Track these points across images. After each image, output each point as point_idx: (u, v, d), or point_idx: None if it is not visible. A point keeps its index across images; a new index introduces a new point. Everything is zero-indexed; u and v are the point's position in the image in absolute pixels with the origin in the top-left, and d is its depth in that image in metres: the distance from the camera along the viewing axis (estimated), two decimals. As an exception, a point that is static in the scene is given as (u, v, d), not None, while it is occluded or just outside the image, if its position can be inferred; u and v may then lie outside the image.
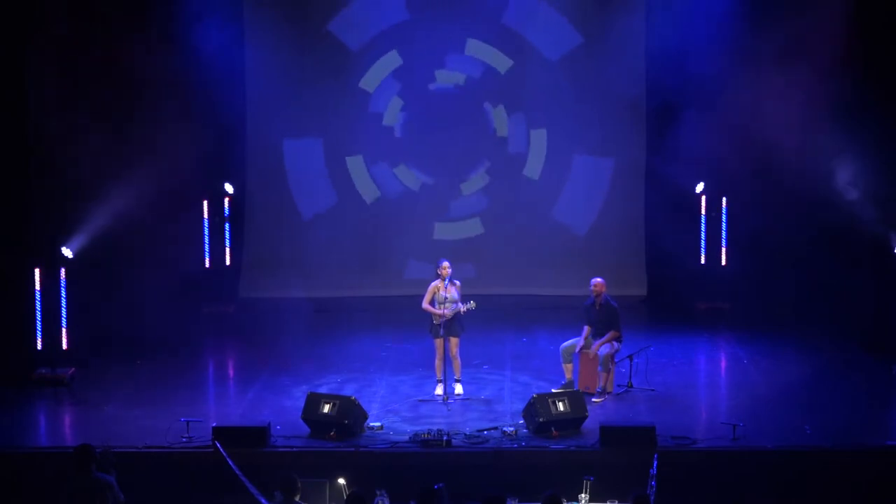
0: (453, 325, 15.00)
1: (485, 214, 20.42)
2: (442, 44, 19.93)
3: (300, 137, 20.21)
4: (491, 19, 19.94)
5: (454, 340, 15.07)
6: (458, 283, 15.07)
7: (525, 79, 20.06)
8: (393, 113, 20.17)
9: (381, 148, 20.26)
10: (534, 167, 20.26)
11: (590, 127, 20.02)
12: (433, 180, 20.35)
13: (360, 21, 19.96)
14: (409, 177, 20.35)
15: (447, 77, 20.08)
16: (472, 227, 20.43)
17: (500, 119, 20.16)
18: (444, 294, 14.96)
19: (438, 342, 15.04)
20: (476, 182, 20.34)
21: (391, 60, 20.02)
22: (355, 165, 20.30)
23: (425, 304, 15.04)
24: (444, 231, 20.39)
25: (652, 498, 11.38)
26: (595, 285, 15.24)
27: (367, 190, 20.36)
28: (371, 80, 20.09)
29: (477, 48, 20.01)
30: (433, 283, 15.05)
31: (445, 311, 14.88)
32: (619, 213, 20.18)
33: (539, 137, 20.19)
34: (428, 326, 15.15)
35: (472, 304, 14.93)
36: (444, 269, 14.99)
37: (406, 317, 17.70)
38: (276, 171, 20.22)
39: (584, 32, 19.90)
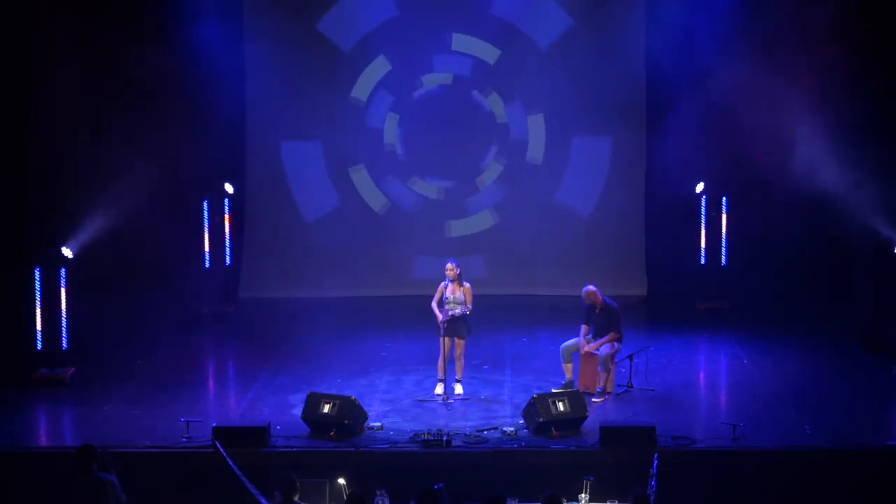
0: (458, 326, 14.99)
1: (498, 205, 20.32)
2: (429, 44, 19.87)
3: (300, 140, 20.18)
4: (476, 11, 19.86)
5: (459, 342, 15.06)
6: (467, 285, 15.04)
7: (516, 66, 19.98)
8: (392, 131, 20.15)
9: (388, 166, 20.22)
10: (535, 152, 20.21)
11: (588, 114, 19.99)
12: (451, 183, 20.30)
13: (349, 21, 19.87)
14: (427, 187, 20.32)
15: (437, 79, 20.05)
16: (485, 220, 20.38)
17: (496, 105, 20.10)
18: (447, 295, 14.97)
19: (442, 341, 15.04)
20: (491, 173, 20.27)
21: (380, 67, 19.99)
22: (359, 176, 20.27)
23: (433, 304, 15.06)
24: (459, 228, 20.36)
25: (652, 498, 11.38)
26: (585, 294, 15.18)
27: (375, 200, 20.31)
28: (362, 88, 20.06)
29: (463, 42, 19.96)
30: (441, 283, 15.06)
31: (442, 313, 14.88)
32: (619, 212, 20.16)
33: (537, 122, 20.15)
34: (434, 325, 15.14)
35: (458, 311, 14.89)
36: (449, 270, 15.00)
37: (411, 316, 17.70)
38: (276, 172, 20.20)
39: (581, 25, 19.85)
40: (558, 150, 20.17)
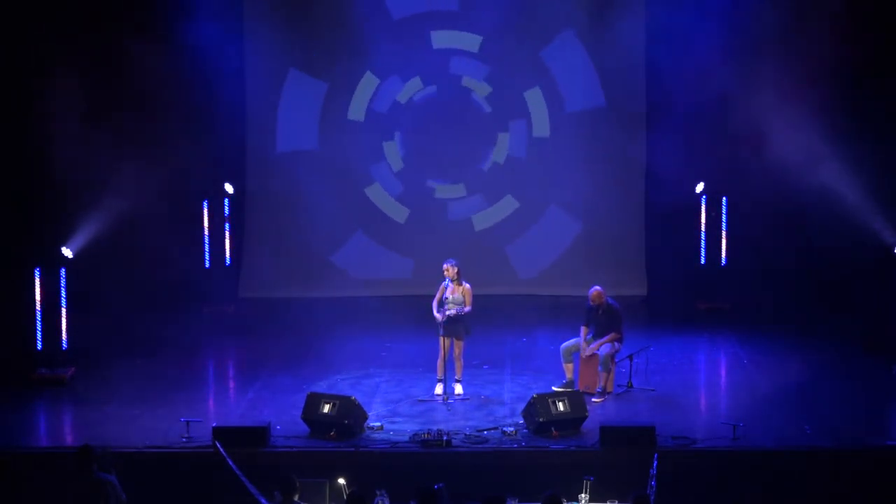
0: (456, 327, 14.99)
1: (516, 188, 20.30)
2: (413, 48, 19.84)
3: (300, 141, 20.16)
4: (462, 9, 19.85)
5: (458, 342, 15.06)
6: (467, 285, 15.04)
7: (507, 52, 19.93)
8: (395, 159, 20.15)
9: (408, 183, 20.22)
10: (541, 125, 20.17)
11: (588, 114, 19.97)
12: (473, 173, 20.27)
13: (336, 44, 19.87)
14: (451, 190, 20.31)
15: (423, 83, 20.02)
16: (508, 205, 20.36)
17: (481, 88, 20.06)
18: (447, 295, 14.98)
19: (442, 341, 15.04)
20: (502, 146, 20.21)
21: (368, 83, 19.98)
22: (376, 194, 20.28)
23: (433, 304, 15.06)
24: (482, 220, 20.35)
25: (652, 498, 11.39)
26: (591, 297, 15.19)
27: (397, 213, 20.32)
28: (356, 110, 20.06)
29: (442, 38, 19.93)
30: (443, 284, 15.07)
31: (441, 313, 14.88)
32: (619, 212, 20.15)
33: (535, 96, 20.12)
34: (435, 324, 15.15)
35: (453, 311, 14.88)
36: (447, 270, 15.00)
37: (412, 316, 17.71)
38: (276, 172, 20.18)
39: (580, 25, 19.84)
40: (563, 123, 20.09)
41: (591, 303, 15.18)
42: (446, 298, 14.96)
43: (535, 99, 20.07)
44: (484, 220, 20.33)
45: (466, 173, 20.27)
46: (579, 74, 19.93)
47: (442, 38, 19.98)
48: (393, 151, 20.20)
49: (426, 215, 20.29)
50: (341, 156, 20.11)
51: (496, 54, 19.94)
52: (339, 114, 20.06)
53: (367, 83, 20.01)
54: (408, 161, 20.23)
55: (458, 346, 15.07)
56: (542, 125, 20.15)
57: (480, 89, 20.10)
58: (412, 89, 20.05)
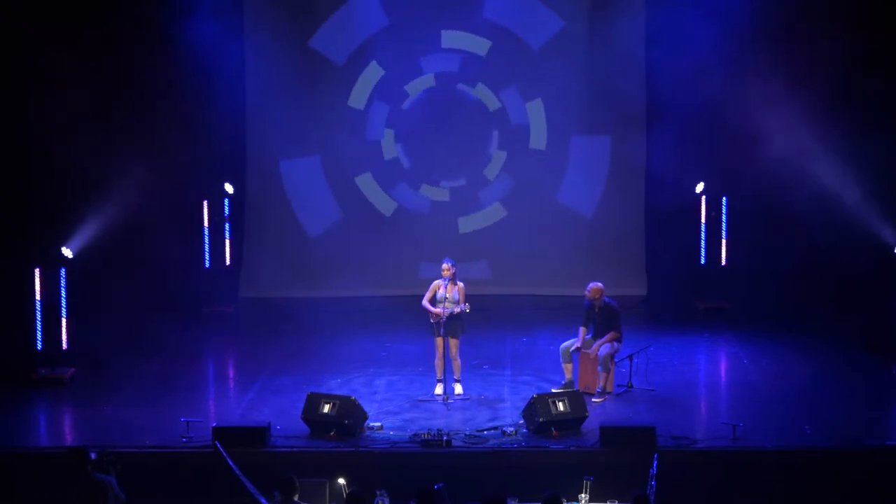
0: (453, 325, 14.99)
1: (505, 197, 20.29)
2: (419, 45, 19.85)
3: (300, 142, 20.15)
4: (467, 11, 19.84)
5: (454, 341, 15.06)
6: (461, 284, 15.05)
7: (510, 57, 19.96)
8: (390, 145, 20.15)
9: (394, 176, 20.21)
10: (538, 139, 20.19)
11: (588, 114, 19.97)
12: (461, 180, 20.29)
13: (340, 34, 19.85)
14: (437, 192, 20.30)
15: (425, 82, 20.02)
16: (494, 213, 20.37)
17: (492, 96, 20.08)
18: (443, 293, 14.97)
19: (438, 341, 15.05)
20: (496, 162, 20.24)
21: (373, 73, 19.98)
22: (366, 183, 20.27)
23: (424, 302, 15.05)
24: (468, 224, 20.36)
25: (652, 498, 11.39)
26: (590, 291, 15.18)
27: (384, 204, 20.30)
28: (358, 98, 20.05)
29: (453, 38, 19.94)
30: (435, 282, 15.06)
31: (440, 310, 14.89)
32: (619, 212, 20.15)
33: (536, 108, 20.13)
34: (427, 325, 15.15)
35: (466, 306, 14.91)
36: (445, 269, 15.00)
37: (412, 316, 17.70)
38: (276, 172, 20.18)
39: (580, 26, 19.84)
40: (560, 138, 20.13)
41: (589, 299, 15.17)
42: (444, 297, 14.95)
43: (535, 110, 20.08)
44: (469, 223, 20.32)
45: (461, 175, 20.25)
46: (580, 77, 19.91)
47: (452, 39, 19.98)
48: (391, 142, 20.17)
49: (417, 212, 20.27)
50: (339, 147, 20.09)
51: (502, 60, 19.93)
52: (340, 104, 20.03)
53: (372, 72, 19.99)
54: (403, 155, 20.20)
55: (455, 345, 15.07)
56: (539, 138, 20.15)
57: (482, 93, 20.09)
58: (418, 84, 20.03)
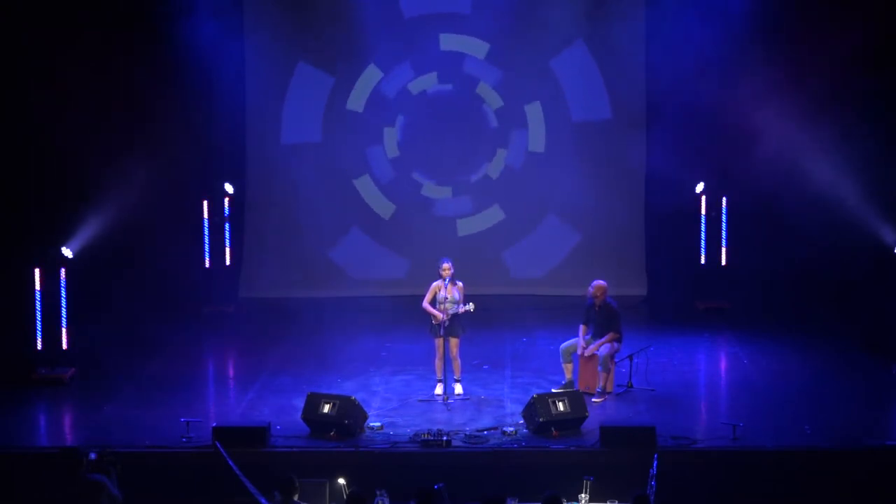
0: (453, 325, 14.99)
1: (504, 199, 20.30)
2: (418, 47, 19.85)
3: (300, 142, 20.15)
4: (467, 12, 19.83)
5: (454, 341, 15.06)
6: (460, 283, 15.06)
7: (509, 59, 19.95)
8: (392, 145, 20.14)
9: (393, 176, 20.20)
10: (537, 141, 20.19)
11: (588, 114, 19.97)
12: (461, 181, 20.28)
13: (341, 35, 19.86)
14: (439, 191, 20.30)
15: (430, 80, 20.02)
16: (494, 215, 20.39)
17: (491, 97, 20.06)
18: (443, 294, 14.96)
19: (438, 342, 15.05)
20: (497, 163, 20.22)
21: (372, 76, 19.98)
22: (365, 184, 20.27)
23: (425, 304, 15.05)
24: (466, 226, 20.35)
25: (652, 498, 11.40)
26: (594, 288, 15.20)
27: (383, 205, 20.29)
28: (357, 100, 20.04)
29: (450, 41, 19.94)
30: (434, 283, 15.06)
31: (443, 311, 14.89)
32: (619, 212, 20.14)
33: (535, 110, 20.12)
34: (428, 326, 15.15)
35: (470, 305, 14.91)
36: (445, 269, 15.00)
37: (412, 316, 17.70)
38: (276, 172, 20.17)
39: (580, 27, 19.83)
40: (559, 139, 20.12)
41: (592, 297, 15.17)
42: (445, 298, 14.95)
43: (534, 112, 20.07)
44: (468, 225, 20.32)
45: (458, 177, 20.26)
46: (581, 79, 19.91)
47: (450, 41, 19.98)
48: (390, 144, 20.17)
49: (415, 214, 20.28)
50: (339, 149, 20.11)
51: (501, 62, 19.93)
52: (339, 106, 20.04)
53: (371, 75, 19.99)
54: (401, 157, 20.20)
55: (455, 345, 15.07)
56: (538, 141, 20.15)
57: (484, 94, 20.07)
58: (416, 86, 20.04)
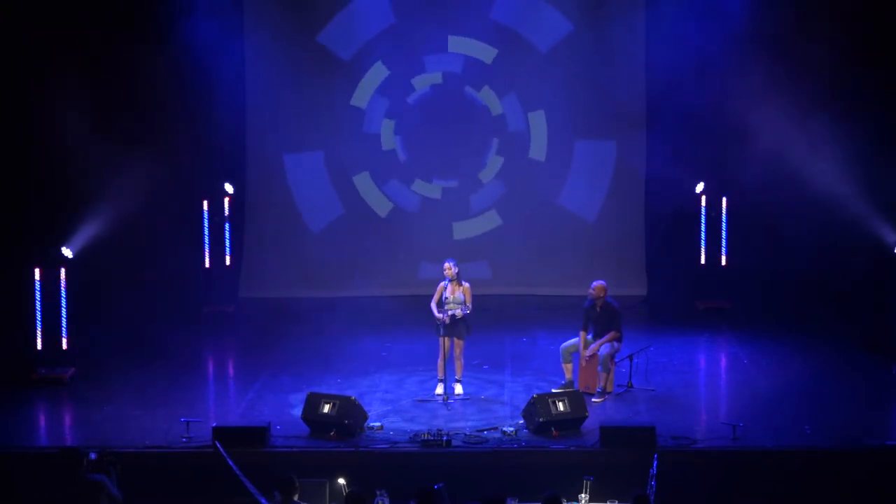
0: (457, 326, 14.99)
1: (500, 204, 20.31)
2: (425, 47, 19.86)
3: (300, 141, 20.14)
4: (474, 14, 19.82)
5: (458, 342, 15.06)
6: (466, 285, 15.05)
7: (514, 64, 19.97)
8: (389, 137, 20.14)
9: (389, 170, 20.19)
10: (538, 149, 20.19)
11: (588, 115, 19.97)
12: (454, 182, 20.28)
13: (347, 31, 19.84)
14: (429, 188, 20.28)
15: (432, 79, 20.02)
16: (489, 221, 20.37)
17: (493, 101, 20.08)
18: (447, 295, 14.97)
19: (443, 341, 15.04)
20: (493, 167, 20.23)
21: (378, 73, 19.98)
22: (363, 183, 20.26)
23: (432, 304, 15.07)
24: (462, 230, 20.34)
25: (652, 498, 11.39)
26: (595, 289, 15.19)
27: (380, 205, 20.27)
28: (361, 96, 20.04)
29: (459, 43, 19.93)
30: (441, 283, 15.07)
31: (443, 313, 14.88)
32: (620, 212, 20.15)
33: (538, 119, 20.13)
34: (433, 325, 15.15)
35: (458, 312, 14.89)
36: (447, 269, 15.00)
37: (412, 316, 17.70)
38: (276, 172, 20.17)
39: (580, 27, 19.82)
40: (560, 149, 20.15)
41: (592, 297, 15.17)
42: (446, 298, 14.96)
43: (538, 120, 20.07)
44: (468, 225, 20.31)
45: (455, 175, 20.24)
46: (581, 79, 19.90)
47: (458, 44, 19.97)
48: (387, 136, 20.17)
49: (410, 212, 20.27)
50: (339, 149, 20.11)
51: (508, 67, 19.92)
52: (341, 105, 20.05)
53: (377, 72, 19.98)
54: (402, 157, 20.20)
55: (459, 346, 15.09)
56: (539, 141, 20.15)
57: (486, 97, 20.08)
58: (422, 81, 20.03)
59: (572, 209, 20.19)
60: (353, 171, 20.24)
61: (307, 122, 20.06)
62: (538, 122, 20.14)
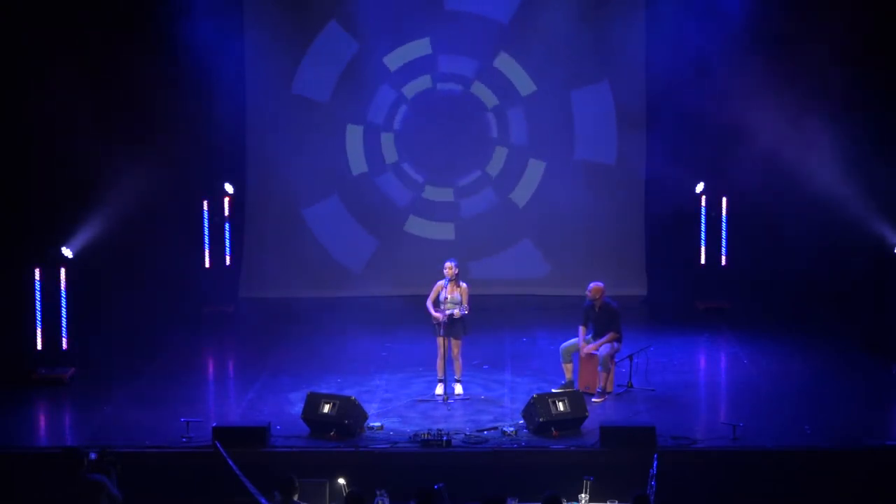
0: (454, 326, 14.99)
1: (501, 204, 20.29)
2: (421, 45, 19.90)
3: (300, 141, 20.15)
4: (467, 13, 19.85)
5: (455, 342, 15.06)
6: (464, 285, 15.05)
7: (514, 64, 19.98)
8: (391, 152, 20.16)
9: (393, 176, 20.20)
10: (538, 149, 20.19)
11: (588, 114, 19.99)
12: (454, 182, 20.29)
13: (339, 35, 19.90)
14: (442, 193, 20.30)
15: (429, 81, 20.01)
16: (490, 220, 20.37)
17: (487, 96, 20.05)
18: (445, 294, 14.97)
19: (441, 341, 15.05)
20: (493, 167, 20.22)
21: (379, 73, 20.00)
22: (364, 182, 20.28)
23: (428, 303, 15.06)
24: (462, 230, 20.36)
25: (652, 498, 11.39)
26: (591, 291, 15.19)
27: (381, 204, 20.27)
28: (361, 97, 20.08)
29: (452, 45, 19.94)
30: (438, 283, 15.07)
31: (440, 313, 14.88)
32: (620, 212, 20.14)
33: (538, 118, 20.09)
34: (431, 325, 15.15)
35: (456, 311, 14.89)
36: (448, 269, 15.00)
37: (412, 316, 17.70)
38: (276, 172, 20.16)
39: (580, 26, 19.84)
40: (560, 148, 20.14)
41: (590, 298, 15.16)
42: (445, 298, 14.95)
43: (537, 121, 20.08)
44: (468, 224, 20.31)
45: (460, 175, 20.26)
46: (581, 79, 19.91)
47: (452, 46, 20.01)
48: (389, 144, 20.19)
49: (415, 214, 20.30)
50: (339, 148, 20.12)
51: (504, 65, 19.94)
52: (340, 104, 20.06)
53: (378, 72, 20.00)
54: (401, 158, 20.21)
55: (457, 346, 15.08)
56: (539, 149, 20.16)
57: (489, 100, 20.10)
58: (420, 85, 20.05)
59: (572, 209, 20.18)
60: (353, 171, 20.24)
61: (307, 122, 20.05)
62: (538, 122, 20.12)
